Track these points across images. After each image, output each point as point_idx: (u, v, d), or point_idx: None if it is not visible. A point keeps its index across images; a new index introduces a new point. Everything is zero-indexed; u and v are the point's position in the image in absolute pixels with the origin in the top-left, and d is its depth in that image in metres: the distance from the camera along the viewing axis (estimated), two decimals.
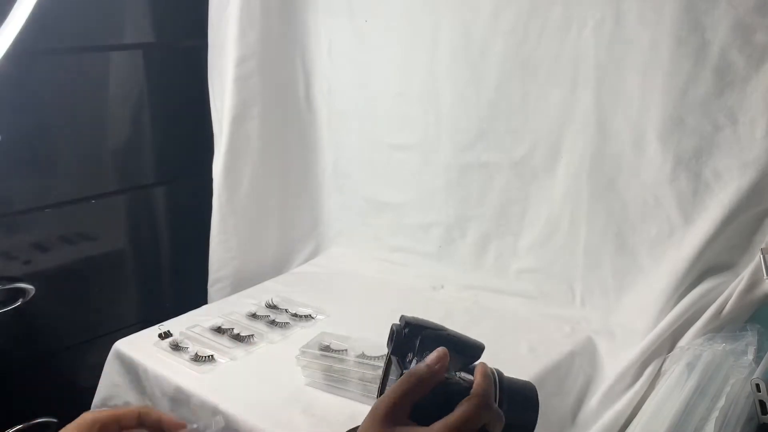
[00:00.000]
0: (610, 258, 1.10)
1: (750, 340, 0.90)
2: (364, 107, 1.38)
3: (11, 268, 1.22)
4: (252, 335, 1.10)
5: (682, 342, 0.97)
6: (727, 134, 0.95)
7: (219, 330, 1.13)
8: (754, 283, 0.92)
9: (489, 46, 1.17)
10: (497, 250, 1.25)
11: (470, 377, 0.62)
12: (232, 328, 1.13)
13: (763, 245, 0.94)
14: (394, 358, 0.66)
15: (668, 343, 0.98)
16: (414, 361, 0.67)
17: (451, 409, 0.56)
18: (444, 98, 1.25)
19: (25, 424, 1.23)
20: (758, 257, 0.92)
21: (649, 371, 0.97)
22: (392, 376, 0.68)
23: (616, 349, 1.04)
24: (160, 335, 1.11)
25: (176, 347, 1.08)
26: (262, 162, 1.41)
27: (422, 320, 0.70)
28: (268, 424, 0.88)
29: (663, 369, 0.96)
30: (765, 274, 0.91)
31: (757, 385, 0.82)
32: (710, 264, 1.00)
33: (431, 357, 0.57)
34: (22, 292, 1.22)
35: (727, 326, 0.94)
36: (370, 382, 0.92)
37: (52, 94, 1.23)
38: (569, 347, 1.04)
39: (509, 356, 1.02)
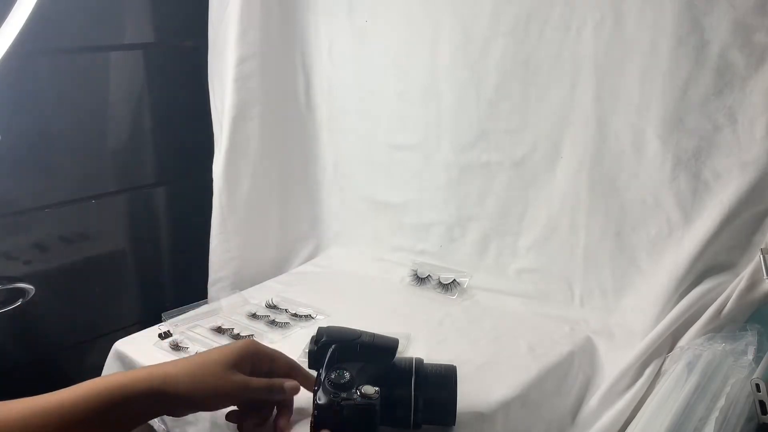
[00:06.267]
0: (610, 258, 1.10)
1: (750, 340, 0.90)
2: (364, 107, 1.38)
3: (11, 268, 1.22)
4: (252, 335, 1.10)
5: (682, 342, 0.97)
6: (727, 134, 0.95)
7: (219, 330, 1.13)
8: (754, 283, 0.92)
9: (489, 46, 1.17)
10: (497, 250, 1.25)
11: (371, 391, 0.68)
12: (232, 328, 1.13)
13: (763, 245, 0.94)
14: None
15: (668, 343, 0.98)
16: (323, 374, 0.71)
17: (342, 428, 0.67)
18: (444, 98, 1.25)
19: None
20: (758, 257, 0.92)
21: (648, 371, 0.96)
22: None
23: (615, 350, 1.04)
24: (160, 335, 1.11)
25: (176, 347, 1.08)
26: (262, 162, 1.41)
27: (338, 331, 0.75)
28: None
29: (663, 369, 0.96)
30: (765, 274, 0.91)
31: (757, 385, 0.82)
32: (710, 264, 1.00)
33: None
34: (22, 292, 1.22)
35: (726, 326, 0.94)
36: None
37: (52, 94, 1.23)
38: (568, 347, 1.04)
39: (508, 356, 1.02)
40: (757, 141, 0.93)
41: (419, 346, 1.03)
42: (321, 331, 0.77)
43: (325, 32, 1.39)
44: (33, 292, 1.22)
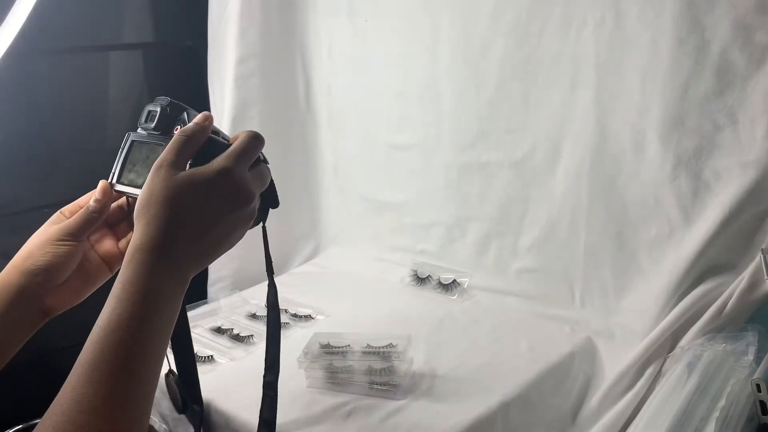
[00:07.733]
0: (610, 258, 1.10)
1: (750, 340, 0.90)
2: (364, 107, 1.38)
3: None
4: (252, 335, 1.10)
5: (683, 342, 0.96)
6: (728, 134, 0.95)
7: (219, 330, 1.13)
8: (754, 283, 0.92)
9: (489, 46, 1.17)
10: (497, 250, 1.25)
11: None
12: (232, 329, 1.13)
13: (763, 245, 0.94)
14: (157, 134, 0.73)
15: (668, 343, 0.98)
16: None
17: None
18: (444, 98, 1.25)
19: (25, 424, 1.22)
20: (759, 257, 0.92)
21: (649, 372, 0.96)
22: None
23: (616, 350, 1.04)
24: None
25: None
26: None
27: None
28: None
29: (663, 369, 0.96)
30: (765, 275, 0.90)
31: (758, 386, 0.82)
32: (710, 264, 0.99)
33: (198, 116, 0.65)
34: None
35: (727, 326, 0.94)
36: (378, 373, 0.93)
37: (52, 94, 1.23)
38: (569, 348, 1.04)
39: (509, 356, 1.02)
40: (758, 141, 0.93)
41: (419, 347, 1.03)
42: (167, 98, 0.77)
43: (325, 32, 1.39)
44: None
